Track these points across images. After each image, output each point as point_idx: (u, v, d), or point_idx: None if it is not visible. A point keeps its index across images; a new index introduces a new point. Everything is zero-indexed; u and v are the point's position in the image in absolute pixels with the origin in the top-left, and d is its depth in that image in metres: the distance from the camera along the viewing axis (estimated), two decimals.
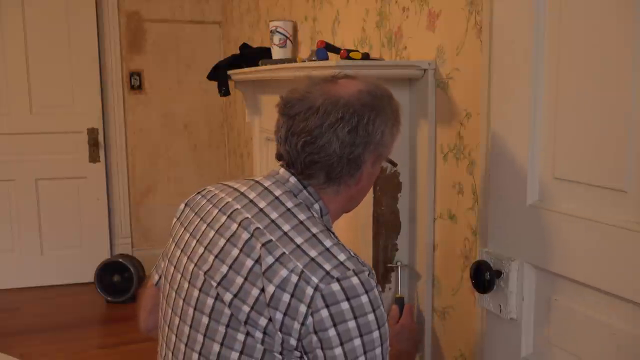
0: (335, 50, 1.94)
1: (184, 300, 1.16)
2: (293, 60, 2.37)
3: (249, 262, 1.07)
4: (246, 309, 1.05)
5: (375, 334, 1.05)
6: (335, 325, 1.02)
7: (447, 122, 1.69)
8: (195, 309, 1.13)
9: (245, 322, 1.06)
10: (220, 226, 1.15)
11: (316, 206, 1.16)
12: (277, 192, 1.15)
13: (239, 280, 1.07)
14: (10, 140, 4.02)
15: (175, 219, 1.29)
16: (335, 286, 1.03)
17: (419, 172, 1.80)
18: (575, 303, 1.15)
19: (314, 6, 2.63)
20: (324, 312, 1.02)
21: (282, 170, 1.19)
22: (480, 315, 1.49)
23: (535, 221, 1.20)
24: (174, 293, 1.20)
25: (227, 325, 1.07)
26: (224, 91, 3.06)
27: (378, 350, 1.06)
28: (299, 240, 1.08)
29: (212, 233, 1.15)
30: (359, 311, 1.04)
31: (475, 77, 1.51)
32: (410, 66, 1.73)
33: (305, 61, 2.07)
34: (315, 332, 1.03)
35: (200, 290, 1.13)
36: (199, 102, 4.41)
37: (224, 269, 1.09)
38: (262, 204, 1.14)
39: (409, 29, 1.85)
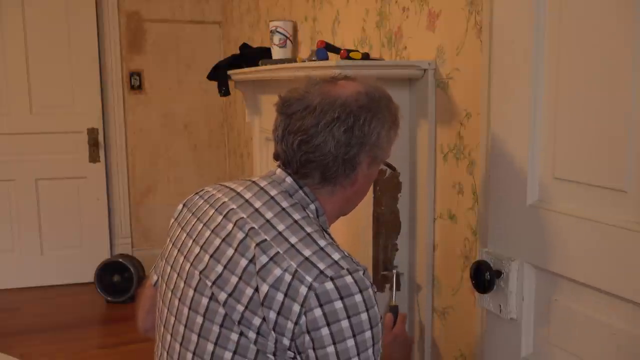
0: (335, 50, 1.94)
1: (179, 299, 1.16)
2: (293, 60, 2.37)
3: (244, 262, 1.07)
4: (240, 308, 1.06)
5: (368, 333, 1.05)
6: (328, 324, 1.02)
7: (447, 122, 1.69)
8: (190, 308, 1.13)
9: (239, 322, 1.06)
10: (216, 226, 1.15)
11: (312, 206, 1.16)
12: (273, 192, 1.16)
13: (234, 279, 1.07)
14: (10, 140, 4.02)
15: (172, 220, 1.29)
16: (329, 285, 1.03)
17: (419, 172, 1.80)
18: (575, 303, 1.15)
19: (314, 6, 2.63)
20: (318, 312, 1.02)
21: (278, 170, 1.20)
22: (480, 315, 1.49)
23: (535, 221, 1.20)
24: (170, 293, 1.20)
25: (221, 325, 1.08)
26: (224, 91, 3.06)
27: (370, 351, 1.06)
28: (293, 239, 1.08)
29: (208, 232, 1.16)
30: (352, 310, 1.03)
31: (475, 77, 1.51)
32: (410, 66, 1.73)
33: (305, 61, 2.07)
34: (308, 332, 1.03)
35: (195, 289, 1.13)
36: (199, 102, 4.41)
37: (219, 268, 1.10)
38: (257, 204, 1.14)
39: (409, 29, 1.85)
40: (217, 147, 4.54)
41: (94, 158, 4.18)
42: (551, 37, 1.15)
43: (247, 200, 1.16)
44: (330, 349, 1.03)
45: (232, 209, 1.16)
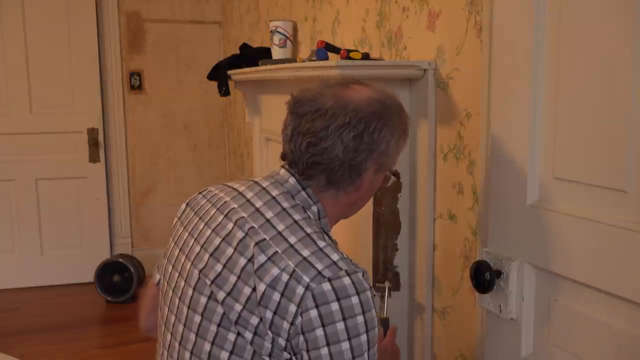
0: (335, 50, 1.94)
1: (179, 298, 1.16)
2: (293, 60, 2.37)
3: (242, 261, 1.07)
4: (238, 307, 1.05)
5: (363, 337, 1.04)
6: (323, 325, 1.02)
7: (447, 122, 1.69)
8: (189, 307, 1.13)
9: (236, 322, 1.05)
10: (217, 225, 1.15)
11: (314, 208, 1.16)
12: (274, 192, 1.15)
13: (232, 278, 1.07)
14: (10, 140, 4.02)
15: (176, 219, 1.29)
16: (327, 286, 1.02)
17: (419, 172, 1.80)
18: (575, 303, 1.15)
19: (314, 6, 2.63)
20: (313, 312, 1.01)
21: (282, 171, 1.19)
22: (480, 315, 1.49)
23: (535, 221, 1.20)
24: (171, 292, 1.20)
25: (219, 325, 1.08)
26: (224, 91, 3.07)
27: (366, 355, 1.05)
28: (292, 239, 1.07)
29: (208, 232, 1.16)
30: (348, 312, 1.02)
31: (475, 77, 1.51)
32: (410, 66, 1.73)
33: (305, 61, 2.07)
34: (303, 333, 1.02)
35: (194, 288, 1.13)
36: (199, 102, 4.41)
37: (219, 267, 1.10)
38: (258, 204, 1.14)
39: (409, 29, 1.85)
40: (217, 147, 4.54)
41: (94, 158, 4.18)
42: (551, 37, 1.15)
43: (248, 200, 1.16)
44: (324, 350, 1.02)
45: (233, 208, 1.16)
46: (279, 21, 2.74)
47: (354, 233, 1.98)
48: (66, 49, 4.04)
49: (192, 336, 1.11)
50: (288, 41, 2.70)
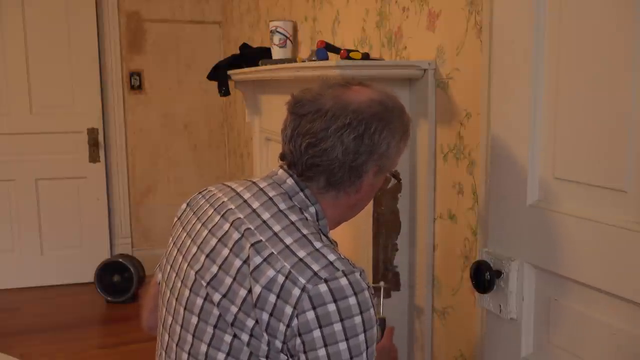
0: (335, 50, 1.94)
1: (176, 299, 1.16)
2: (293, 60, 2.37)
3: (238, 262, 1.07)
4: (234, 309, 1.05)
5: (361, 337, 1.03)
6: (320, 327, 1.01)
7: (447, 122, 1.69)
8: (185, 308, 1.13)
9: (233, 324, 1.05)
10: (214, 226, 1.15)
11: (312, 209, 1.15)
12: (272, 193, 1.15)
13: (228, 280, 1.07)
14: (10, 140, 4.02)
15: (176, 218, 1.29)
16: (323, 287, 1.01)
17: (419, 172, 1.80)
18: (575, 303, 1.15)
19: (314, 6, 2.63)
20: (310, 314, 1.00)
21: (280, 171, 1.19)
22: (480, 315, 1.49)
23: (535, 221, 1.20)
24: (169, 292, 1.20)
25: (215, 326, 1.07)
26: (224, 91, 3.07)
27: (364, 355, 1.04)
28: (288, 240, 1.07)
29: (205, 232, 1.16)
30: (345, 313, 1.01)
31: (475, 77, 1.51)
32: (410, 66, 1.73)
33: (305, 61, 2.07)
34: (300, 335, 1.01)
35: (190, 290, 1.13)
36: (199, 102, 4.41)
37: (214, 268, 1.09)
38: (255, 205, 1.14)
39: (409, 29, 1.85)
40: (217, 147, 4.54)
41: (94, 158, 4.18)
42: (551, 37, 1.15)
43: (245, 201, 1.16)
44: (322, 351, 1.01)
45: (230, 209, 1.15)
46: (279, 21, 2.74)
47: (354, 233, 1.98)
48: (66, 49, 4.04)
49: (189, 337, 1.11)
50: (288, 41, 2.70)
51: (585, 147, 1.09)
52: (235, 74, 2.90)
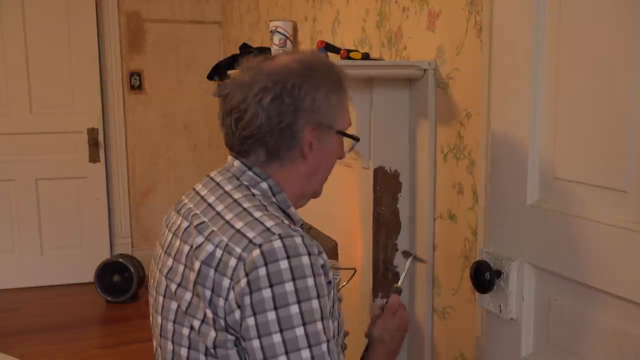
0: (335, 50, 1.94)
1: (155, 309, 1.16)
2: None
3: (186, 248, 1.06)
4: (188, 296, 1.03)
5: (294, 308, 0.93)
6: (250, 292, 0.94)
7: (447, 122, 1.69)
8: (159, 313, 1.12)
9: (186, 311, 1.03)
10: (176, 228, 1.14)
11: (263, 185, 1.11)
12: (219, 179, 1.14)
13: (181, 268, 1.06)
14: (10, 140, 4.02)
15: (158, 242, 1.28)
16: (256, 252, 0.96)
17: (419, 172, 1.80)
18: (575, 303, 1.15)
19: (314, 6, 2.63)
20: (243, 281, 0.95)
21: (229, 158, 1.17)
22: (480, 315, 1.49)
23: (535, 221, 1.20)
24: (153, 300, 1.20)
25: (174, 322, 1.06)
26: None
27: (301, 330, 0.93)
28: (229, 216, 1.04)
29: (170, 236, 1.15)
30: (275, 278, 0.94)
31: (475, 77, 1.51)
32: (410, 66, 1.73)
33: None
34: (239, 307, 0.96)
35: (157, 292, 1.13)
36: (199, 102, 4.41)
37: (170, 261, 1.09)
38: (203, 192, 1.14)
39: (409, 29, 1.85)
40: (217, 147, 4.54)
41: (94, 158, 4.18)
42: (551, 37, 1.15)
43: (197, 192, 1.16)
44: (251, 320, 0.94)
45: (189, 207, 1.15)
46: (279, 21, 2.74)
47: (354, 233, 1.98)
48: (66, 49, 4.04)
49: (163, 341, 1.10)
50: (288, 41, 2.70)
51: (585, 147, 1.09)
52: None
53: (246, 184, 1.11)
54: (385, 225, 1.85)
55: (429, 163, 1.75)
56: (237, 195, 1.08)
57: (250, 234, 0.99)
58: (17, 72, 3.98)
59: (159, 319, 1.12)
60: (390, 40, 1.96)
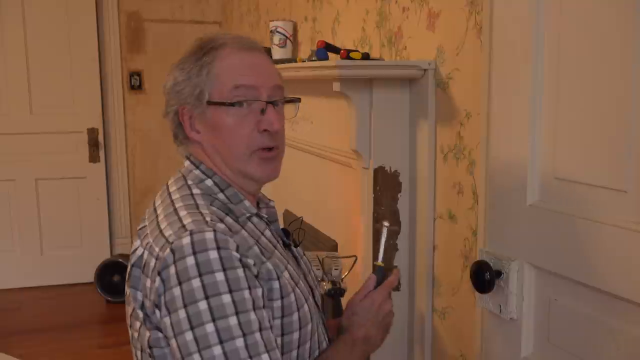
0: (335, 50, 1.94)
1: None
2: (293, 60, 2.37)
3: (129, 267, 1.06)
4: (129, 310, 1.04)
5: (203, 304, 0.90)
6: (164, 291, 0.93)
7: (447, 122, 1.69)
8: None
9: (131, 314, 1.03)
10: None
11: (208, 182, 1.10)
12: (170, 181, 1.15)
13: (127, 287, 1.06)
14: (10, 140, 4.02)
15: None
16: (167, 250, 0.95)
17: (419, 172, 1.80)
18: (575, 303, 1.15)
19: (314, 6, 2.63)
20: (158, 280, 0.95)
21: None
22: (480, 315, 1.49)
23: (535, 221, 1.20)
24: None
25: (130, 326, 1.06)
26: None
27: (210, 326, 0.90)
28: (160, 217, 1.04)
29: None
30: (183, 276, 0.92)
31: (475, 77, 1.51)
32: (410, 66, 1.73)
33: (305, 61, 2.07)
34: (156, 306, 0.96)
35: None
36: None
37: (126, 289, 1.07)
38: (158, 195, 1.14)
39: (409, 29, 1.85)
40: None
41: (94, 158, 4.18)
42: (551, 37, 1.15)
43: (155, 208, 1.11)
44: (167, 320, 0.93)
45: (147, 210, 1.14)
46: (279, 21, 2.74)
47: (354, 233, 1.98)
48: (66, 49, 4.04)
49: (132, 347, 1.10)
50: (288, 41, 2.70)
51: (586, 147, 1.09)
52: None
53: (190, 183, 1.10)
54: None
55: (429, 163, 1.75)
56: (175, 196, 1.08)
57: (167, 233, 0.98)
58: (17, 72, 3.98)
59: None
60: (390, 40, 1.96)
